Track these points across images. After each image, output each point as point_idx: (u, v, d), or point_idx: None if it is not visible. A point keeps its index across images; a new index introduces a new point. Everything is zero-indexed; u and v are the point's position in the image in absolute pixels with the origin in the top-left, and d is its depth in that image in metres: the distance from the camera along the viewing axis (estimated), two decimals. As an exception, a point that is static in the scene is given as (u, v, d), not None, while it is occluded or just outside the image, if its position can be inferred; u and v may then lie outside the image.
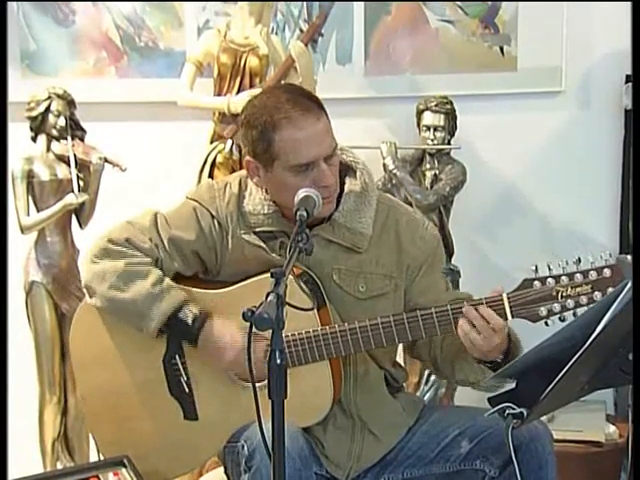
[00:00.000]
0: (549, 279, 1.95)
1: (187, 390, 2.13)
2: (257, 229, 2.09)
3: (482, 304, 1.96)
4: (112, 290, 2.08)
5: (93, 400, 2.21)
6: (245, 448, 1.99)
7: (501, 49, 3.36)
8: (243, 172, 2.14)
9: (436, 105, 3.13)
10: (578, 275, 1.94)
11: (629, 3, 2.56)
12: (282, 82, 3.01)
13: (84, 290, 2.15)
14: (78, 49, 3.25)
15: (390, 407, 2.16)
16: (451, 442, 2.10)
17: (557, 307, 1.95)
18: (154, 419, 2.16)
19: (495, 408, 1.89)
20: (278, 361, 1.59)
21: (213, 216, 2.11)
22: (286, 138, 1.97)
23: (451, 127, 3.16)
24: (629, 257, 3.20)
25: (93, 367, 2.18)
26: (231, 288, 2.09)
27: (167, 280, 2.09)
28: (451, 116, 3.14)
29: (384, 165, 3.14)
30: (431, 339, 2.11)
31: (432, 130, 3.14)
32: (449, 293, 2.17)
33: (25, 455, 2.93)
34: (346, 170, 2.13)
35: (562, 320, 1.95)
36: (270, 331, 1.60)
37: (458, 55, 3.35)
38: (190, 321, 2.04)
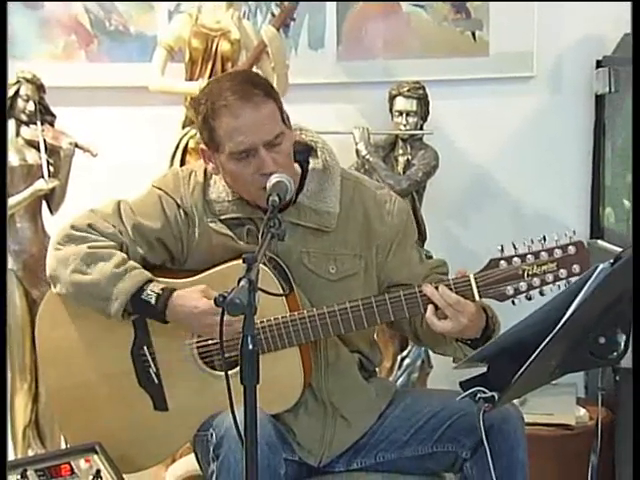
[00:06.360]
0: (515, 258, 1.96)
1: (156, 381, 2.12)
2: (223, 217, 2.08)
3: (448, 285, 1.97)
4: (75, 274, 2.05)
5: (61, 394, 2.19)
6: (213, 436, 1.98)
7: (473, 34, 3.36)
8: None
9: (408, 90, 3.12)
10: (543, 253, 1.95)
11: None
12: (254, 67, 3.00)
13: (49, 280, 2.13)
14: (47, 33, 3.19)
15: (362, 392, 2.16)
16: (423, 425, 2.11)
17: (524, 286, 1.96)
18: (124, 411, 2.14)
19: (466, 392, 1.89)
20: (250, 346, 1.59)
21: (178, 205, 2.10)
22: (224, 126, 1.97)
23: (423, 112, 3.16)
24: (599, 241, 3.25)
25: (60, 360, 2.16)
26: (198, 277, 2.08)
27: (131, 262, 2.06)
28: (423, 101, 3.14)
29: (357, 150, 3.13)
30: None
31: (404, 115, 3.13)
32: (424, 265, 2.16)
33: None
34: (308, 151, 2.12)
35: (529, 299, 1.97)
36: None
37: (430, 40, 3.34)
38: (154, 301, 2.02)
